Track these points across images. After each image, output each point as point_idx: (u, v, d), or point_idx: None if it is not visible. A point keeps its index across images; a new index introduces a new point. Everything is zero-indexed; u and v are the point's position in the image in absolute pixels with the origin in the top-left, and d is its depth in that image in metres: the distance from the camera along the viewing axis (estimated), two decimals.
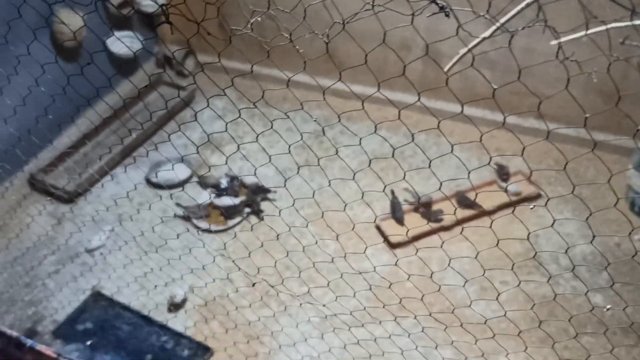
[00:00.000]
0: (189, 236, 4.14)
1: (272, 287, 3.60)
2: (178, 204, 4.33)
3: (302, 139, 3.43)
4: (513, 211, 4.07)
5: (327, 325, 3.58)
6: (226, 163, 4.40)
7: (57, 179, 4.48)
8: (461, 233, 3.14)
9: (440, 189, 2.77)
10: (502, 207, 4.15)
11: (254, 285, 3.72)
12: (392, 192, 4.22)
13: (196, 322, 3.63)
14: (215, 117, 5.11)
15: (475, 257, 2.87)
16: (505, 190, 4.23)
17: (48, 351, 1.60)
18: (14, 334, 1.71)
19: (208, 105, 2.63)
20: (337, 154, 4.62)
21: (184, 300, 3.68)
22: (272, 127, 2.59)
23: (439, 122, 2.37)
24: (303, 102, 5.00)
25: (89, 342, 3.45)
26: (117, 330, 3.55)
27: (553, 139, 4.64)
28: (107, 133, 4.86)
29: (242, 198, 4.33)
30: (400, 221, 4.08)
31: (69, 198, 4.39)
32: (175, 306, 3.67)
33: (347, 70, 5.37)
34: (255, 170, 3.61)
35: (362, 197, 3.60)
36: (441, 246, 2.98)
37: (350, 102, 5.13)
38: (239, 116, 2.56)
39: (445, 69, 2.01)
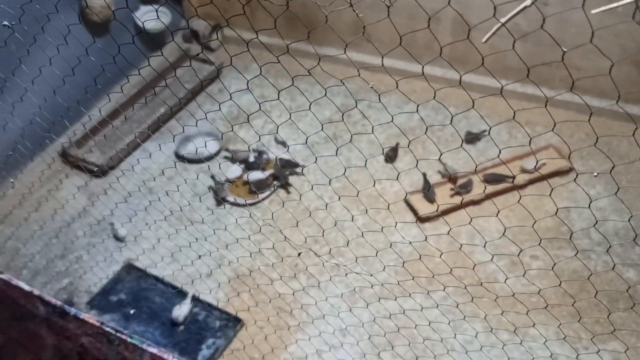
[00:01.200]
0: (218, 210, 4.18)
1: (319, 256, 3.63)
2: (213, 177, 4.36)
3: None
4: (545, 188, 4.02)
5: (356, 298, 3.60)
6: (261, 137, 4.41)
7: (88, 153, 4.54)
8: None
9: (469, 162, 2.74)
10: (533, 181, 4.09)
11: (299, 255, 3.75)
12: (424, 175, 4.19)
13: (227, 293, 3.68)
14: (242, 91, 5.11)
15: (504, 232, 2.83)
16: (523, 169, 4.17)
17: (92, 320, 1.63)
18: (58, 302, 1.75)
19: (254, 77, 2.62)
20: (372, 131, 4.60)
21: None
22: (325, 95, 2.56)
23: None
24: (330, 75, 4.94)
25: (132, 311, 3.51)
26: (150, 301, 3.62)
27: (585, 111, 4.56)
28: (136, 108, 4.90)
29: (270, 171, 4.35)
30: (431, 201, 4.06)
31: (101, 172, 4.45)
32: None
33: (375, 42, 5.28)
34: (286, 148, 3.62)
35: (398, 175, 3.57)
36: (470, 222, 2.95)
37: (378, 75, 5.10)
38: (293, 83, 2.53)
39: (483, 40, 1.97)
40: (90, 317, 1.65)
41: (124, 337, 1.60)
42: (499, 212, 3.94)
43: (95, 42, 4.33)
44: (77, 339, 1.73)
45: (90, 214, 4.23)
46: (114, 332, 1.61)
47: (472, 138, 4.47)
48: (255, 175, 4.31)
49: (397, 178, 4.27)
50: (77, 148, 4.55)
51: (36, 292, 1.79)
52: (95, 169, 4.45)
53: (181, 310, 3.52)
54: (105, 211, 4.23)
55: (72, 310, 1.70)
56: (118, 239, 4.03)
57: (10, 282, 1.83)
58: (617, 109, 4.48)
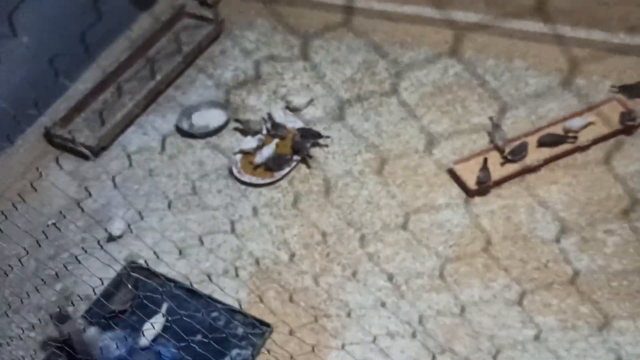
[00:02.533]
0: (231, 192, 3.59)
1: None
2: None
3: None
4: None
5: (402, 291, 3.05)
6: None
7: (76, 132, 3.92)
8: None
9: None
10: (597, 141, 3.50)
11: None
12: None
13: (249, 293, 3.12)
14: (248, 51, 4.46)
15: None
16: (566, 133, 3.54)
17: None
18: None
19: None
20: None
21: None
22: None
23: None
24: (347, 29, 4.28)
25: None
26: (159, 306, 3.06)
27: None
28: (127, 76, 4.26)
29: (275, 141, 3.73)
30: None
31: (92, 153, 3.84)
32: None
33: None
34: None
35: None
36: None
37: (402, 26, 4.44)
38: None
39: None
40: None
41: None
42: (548, 177, 3.37)
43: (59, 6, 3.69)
44: None
45: (83, 203, 3.64)
46: None
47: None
48: (267, 151, 3.69)
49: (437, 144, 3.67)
50: (62, 127, 3.92)
51: None
52: (86, 150, 3.84)
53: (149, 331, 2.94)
54: (100, 199, 3.64)
55: None
56: (112, 238, 3.45)
57: None
58: None
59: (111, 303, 2.98)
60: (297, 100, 3.95)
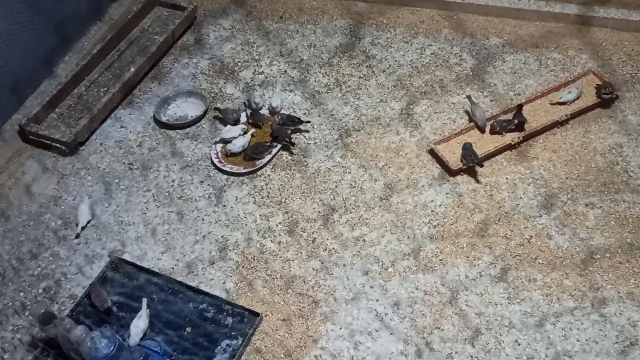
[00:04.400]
0: (213, 182, 3.56)
1: None
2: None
3: None
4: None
5: (389, 273, 3.06)
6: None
7: (51, 128, 3.85)
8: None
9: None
10: (575, 115, 3.52)
11: None
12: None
13: (237, 282, 3.11)
14: (223, 39, 4.39)
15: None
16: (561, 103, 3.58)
17: None
18: None
19: None
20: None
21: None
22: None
23: None
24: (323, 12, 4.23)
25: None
26: (140, 303, 3.03)
27: (623, 27, 3.97)
28: (100, 69, 4.18)
29: (252, 131, 3.69)
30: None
31: (69, 150, 3.78)
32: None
33: None
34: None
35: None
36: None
37: (377, 6, 4.41)
38: None
39: None
40: None
41: None
42: (527, 154, 3.39)
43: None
44: None
45: (63, 200, 3.59)
46: None
47: None
48: (241, 141, 3.64)
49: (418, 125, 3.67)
50: (37, 124, 3.85)
51: None
52: (62, 146, 3.78)
53: (137, 328, 2.91)
54: (80, 195, 3.59)
55: None
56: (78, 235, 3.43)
57: None
58: None
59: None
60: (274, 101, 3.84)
